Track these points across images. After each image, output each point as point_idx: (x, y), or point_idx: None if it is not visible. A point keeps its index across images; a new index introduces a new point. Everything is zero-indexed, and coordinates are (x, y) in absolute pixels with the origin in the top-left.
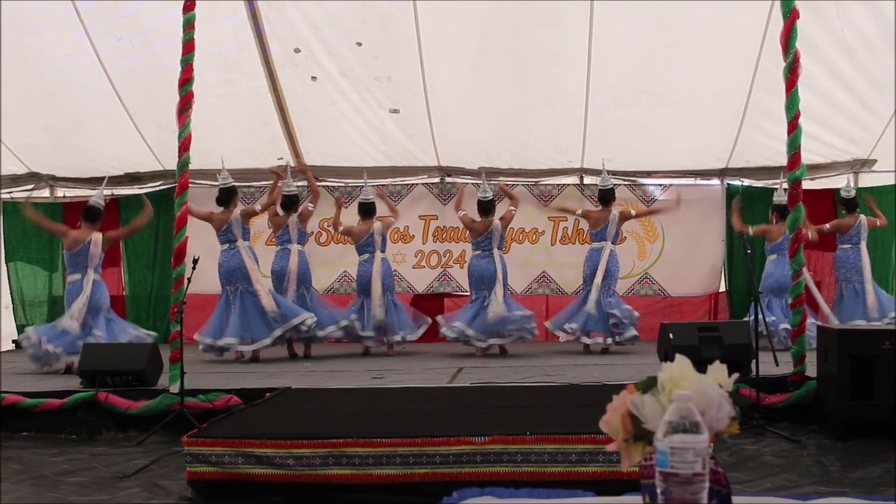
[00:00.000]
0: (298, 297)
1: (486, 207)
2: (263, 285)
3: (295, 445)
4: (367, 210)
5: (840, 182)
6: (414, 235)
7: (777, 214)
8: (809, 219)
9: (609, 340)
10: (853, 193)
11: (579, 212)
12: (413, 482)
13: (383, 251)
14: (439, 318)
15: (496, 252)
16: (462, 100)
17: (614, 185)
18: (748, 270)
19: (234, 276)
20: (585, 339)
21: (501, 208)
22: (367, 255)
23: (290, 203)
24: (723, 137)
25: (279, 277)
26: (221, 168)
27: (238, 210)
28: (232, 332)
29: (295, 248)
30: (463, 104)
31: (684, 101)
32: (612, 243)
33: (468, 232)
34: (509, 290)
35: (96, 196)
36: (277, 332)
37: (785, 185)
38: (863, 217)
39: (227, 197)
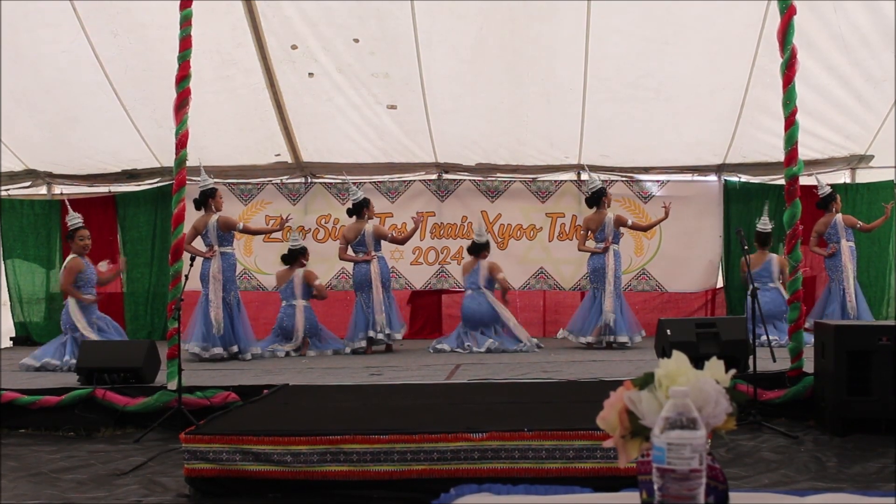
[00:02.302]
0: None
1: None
2: (219, 298)
3: (293, 442)
4: (355, 210)
5: (838, 178)
6: None
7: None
8: (805, 214)
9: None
10: (826, 191)
11: (586, 232)
12: (411, 479)
13: (378, 250)
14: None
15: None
16: (459, 96)
17: (602, 185)
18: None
19: (203, 281)
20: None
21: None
22: (362, 255)
23: (292, 257)
24: (720, 133)
25: (287, 335)
26: (199, 168)
27: (215, 217)
28: (194, 338)
29: (301, 303)
30: (460, 100)
31: (681, 97)
32: (615, 243)
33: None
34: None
35: (70, 218)
36: (206, 353)
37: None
38: (839, 216)
39: (203, 199)
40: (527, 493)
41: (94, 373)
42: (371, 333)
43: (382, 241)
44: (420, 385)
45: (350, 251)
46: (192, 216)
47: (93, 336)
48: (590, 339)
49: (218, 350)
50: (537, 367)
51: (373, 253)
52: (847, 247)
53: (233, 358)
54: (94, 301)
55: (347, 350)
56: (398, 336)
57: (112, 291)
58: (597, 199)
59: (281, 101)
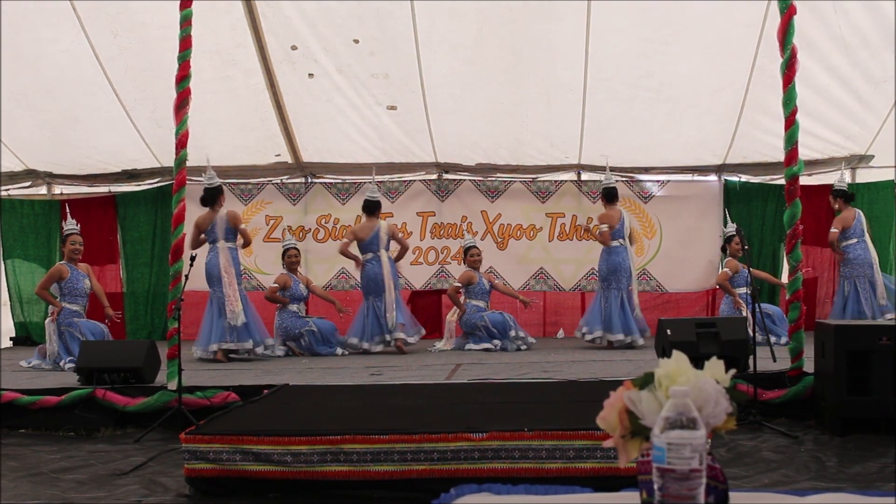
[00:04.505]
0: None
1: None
2: (236, 290)
3: (293, 442)
4: (372, 208)
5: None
6: (412, 232)
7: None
8: (806, 214)
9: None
10: (846, 185)
11: (604, 227)
12: (411, 479)
13: (388, 249)
14: None
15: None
16: (459, 96)
17: (616, 182)
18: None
19: (212, 278)
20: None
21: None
22: (371, 255)
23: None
24: (720, 133)
25: (293, 338)
26: (207, 167)
27: (224, 211)
28: (216, 338)
29: (301, 307)
30: (460, 100)
31: (681, 97)
32: (630, 243)
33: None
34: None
35: (67, 224)
36: (213, 347)
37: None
38: (860, 211)
39: (212, 197)
40: (527, 493)
41: (94, 373)
42: (388, 337)
43: (391, 242)
44: (420, 385)
45: (355, 249)
46: (192, 216)
47: (54, 345)
48: (620, 336)
49: (248, 344)
50: (537, 367)
51: (383, 251)
52: (869, 241)
53: (250, 352)
54: (62, 308)
55: (340, 352)
56: (412, 340)
57: (112, 291)
58: (614, 195)
59: (281, 102)
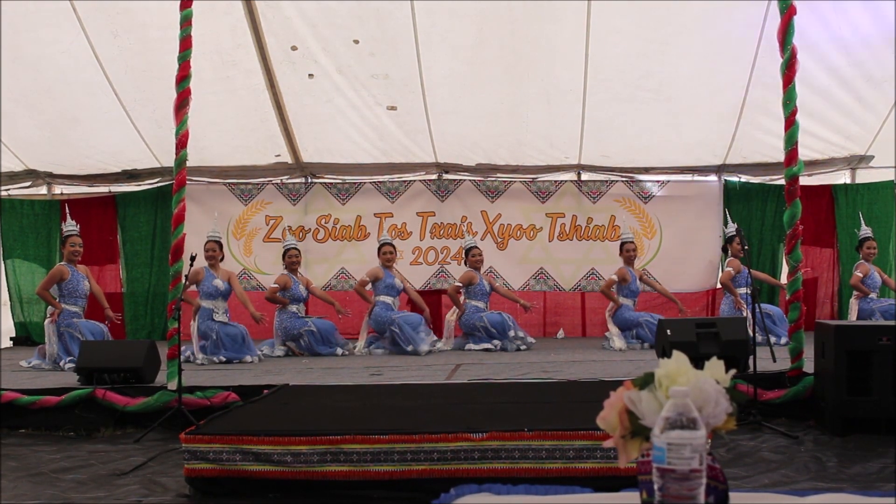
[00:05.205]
0: None
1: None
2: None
3: (293, 442)
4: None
5: (838, 178)
6: (412, 232)
7: None
8: (806, 214)
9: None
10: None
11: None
12: (411, 479)
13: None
14: None
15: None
16: (459, 96)
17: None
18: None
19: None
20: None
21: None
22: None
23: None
24: (720, 133)
25: (293, 338)
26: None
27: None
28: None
29: (300, 308)
30: (460, 101)
31: (681, 98)
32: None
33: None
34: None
35: (66, 225)
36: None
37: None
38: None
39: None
40: (527, 493)
41: (94, 373)
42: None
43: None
44: (420, 385)
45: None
46: (192, 216)
47: (54, 346)
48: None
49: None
50: (537, 367)
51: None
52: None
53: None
54: (62, 309)
55: (340, 352)
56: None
57: (112, 291)
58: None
59: (281, 102)
